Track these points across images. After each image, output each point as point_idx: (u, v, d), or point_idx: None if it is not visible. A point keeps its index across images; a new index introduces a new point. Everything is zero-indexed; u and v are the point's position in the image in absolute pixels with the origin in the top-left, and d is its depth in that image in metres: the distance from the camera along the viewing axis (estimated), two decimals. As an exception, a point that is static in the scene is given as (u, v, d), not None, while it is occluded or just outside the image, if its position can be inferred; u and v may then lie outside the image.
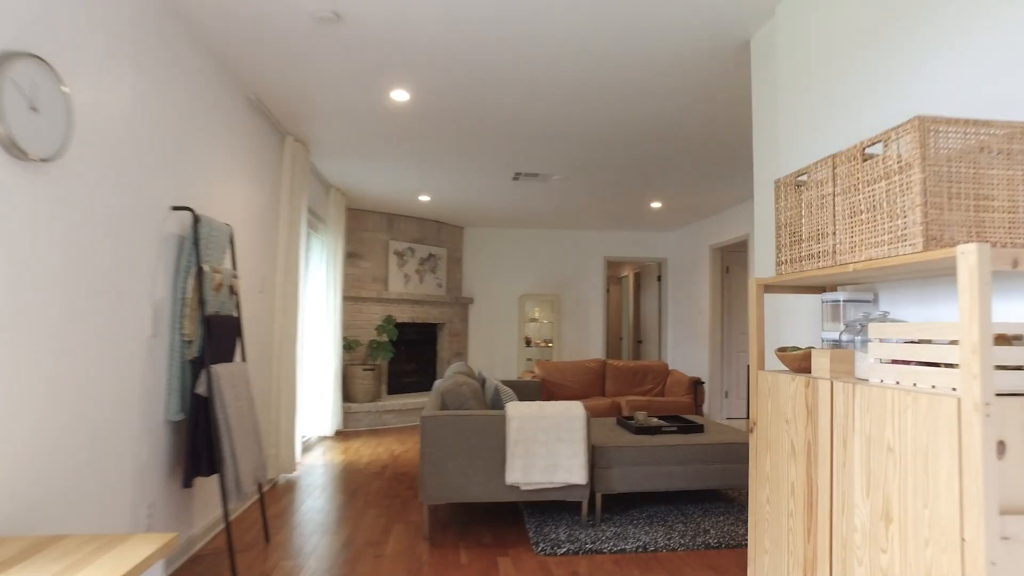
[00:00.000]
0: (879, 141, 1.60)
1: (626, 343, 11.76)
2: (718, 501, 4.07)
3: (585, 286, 9.30)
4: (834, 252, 1.79)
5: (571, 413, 3.45)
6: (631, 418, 4.44)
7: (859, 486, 1.62)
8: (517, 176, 5.90)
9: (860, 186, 1.68)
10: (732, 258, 8.22)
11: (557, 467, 3.37)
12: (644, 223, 8.65)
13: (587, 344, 9.25)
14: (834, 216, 1.80)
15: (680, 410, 6.26)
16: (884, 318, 1.79)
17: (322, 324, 6.33)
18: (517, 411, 3.43)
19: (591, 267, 9.35)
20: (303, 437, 5.80)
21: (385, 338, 7.49)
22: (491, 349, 9.02)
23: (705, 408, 8.10)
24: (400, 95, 3.92)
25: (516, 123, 4.41)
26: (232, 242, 3.36)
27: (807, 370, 2.05)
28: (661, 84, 3.70)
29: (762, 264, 2.82)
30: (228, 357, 3.08)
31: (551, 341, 9.11)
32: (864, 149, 1.68)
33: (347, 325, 7.30)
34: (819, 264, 1.86)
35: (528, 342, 9.01)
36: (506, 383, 6.03)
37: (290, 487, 4.49)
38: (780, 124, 2.71)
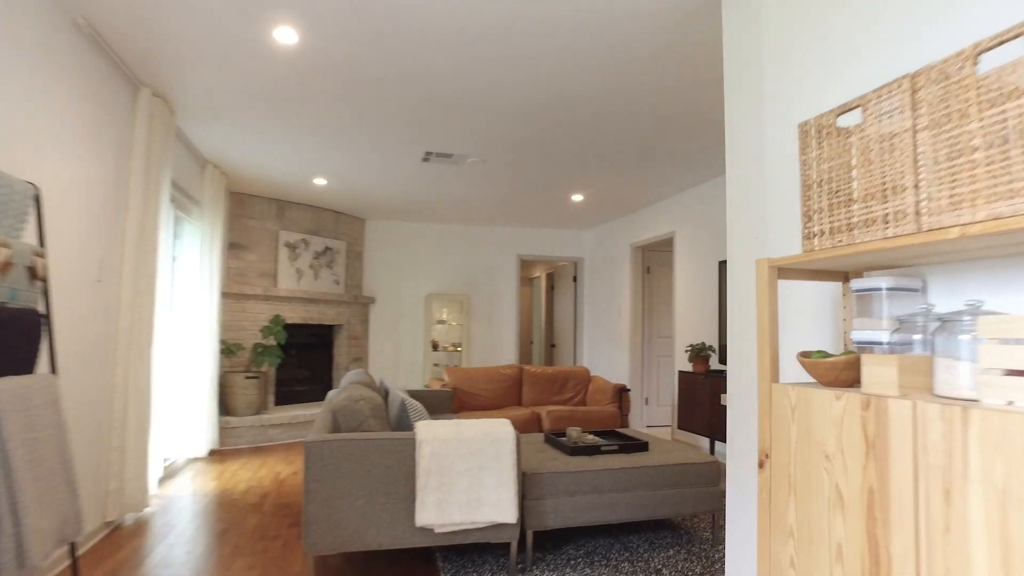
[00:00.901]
0: (1010, 38, 1.05)
1: (538, 347, 11.26)
2: (663, 530, 3.53)
3: (498, 286, 8.69)
4: (917, 213, 1.23)
5: (497, 434, 2.78)
6: (561, 434, 3.83)
7: (983, 563, 1.06)
8: (428, 156, 5.18)
9: (970, 112, 1.13)
10: (654, 258, 7.87)
11: (481, 502, 2.69)
12: (561, 220, 8.16)
13: (499, 348, 8.63)
14: (915, 161, 1.24)
15: (606, 420, 5.75)
16: (977, 310, 1.24)
17: (195, 324, 5.31)
18: (430, 433, 2.71)
19: (504, 265, 8.75)
20: (166, 461, 4.78)
21: (273, 341, 6.52)
22: (394, 354, 8.21)
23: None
24: (286, 35, 3.11)
25: (428, 88, 3.71)
26: (39, 208, 2.44)
27: (849, 383, 1.50)
28: (601, 48, 3.12)
29: (745, 245, 2.27)
30: (23, 366, 2.17)
31: (460, 345, 8.42)
32: (978, 56, 1.12)
33: (227, 326, 6.27)
34: (887, 231, 1.30)
35: (436, 346, 8.27)
36: (413, 393, 5.28)
37: (138, 530, 3.54)
38: (768, 69, 2.18)
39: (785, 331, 2.06)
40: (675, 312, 6.58)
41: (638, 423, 7.54)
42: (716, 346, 5.67)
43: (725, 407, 4.81)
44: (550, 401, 6.26)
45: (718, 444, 5.48)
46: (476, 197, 6.78)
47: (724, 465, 4.79)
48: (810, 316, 1.98)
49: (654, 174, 5.71)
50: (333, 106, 4.08)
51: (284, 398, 6.92)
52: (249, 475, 4.82)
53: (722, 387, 4.88)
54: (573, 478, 3.05)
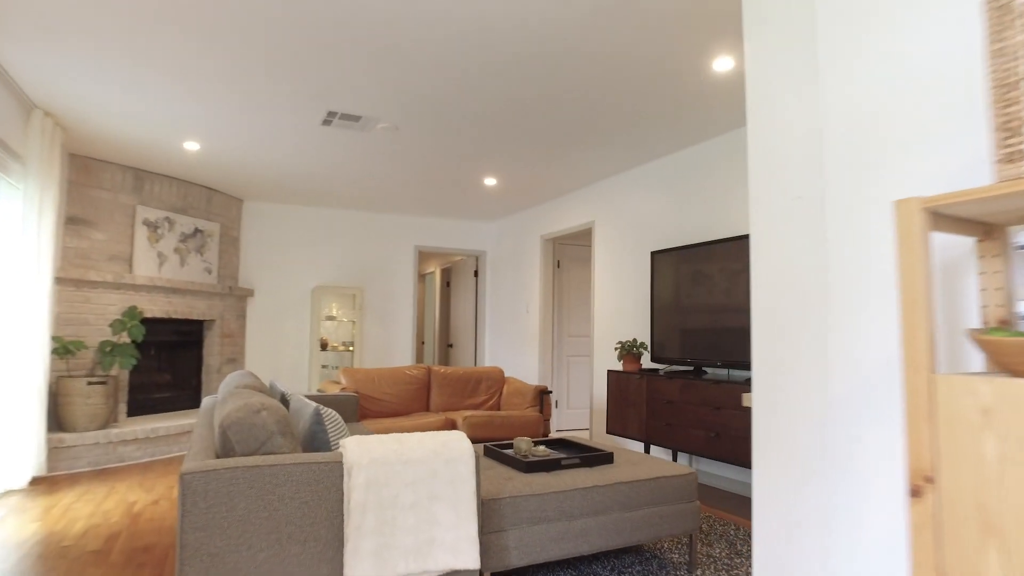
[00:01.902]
0: None
1: (430, 348, 10.55)
2: (628, 555, 3.01)
3: (393, 279, 7.90)
4: None
5: (452, 452, 2.11)
6: (504, 446, 3.21)
7: None
8: (330, 118, 4.36)
9: None
10: (564, 251, 7.45)
11: (434, 544, 2.01)
12: (465, 210, 7.53)
13: (394, 348, 7.85)
14: None
15: (528, 426, 5.19)
16: None
17: (14, 316, 4.13)
18: (363, 454, 2.00)
19: (401, 257, 7.98)
20: (-33, 495, 3.61)
21: (126, 339, 5.35)
22: (275, 354, 7.18)
23: (533, 419, 7.18)
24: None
25: (338, 28, 2.95)
26: None
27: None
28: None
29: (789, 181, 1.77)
30: None
31: (352, 344, 7.54)
32: None
33: (64, 320, 5.04)
34: None
35: (324, 345, 7.34)
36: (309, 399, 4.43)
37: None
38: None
39: (846, 311, 1.58)
40: (594, 308, 6.18)
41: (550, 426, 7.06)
42: (648, 342, 5.29)
43: (663, 409, 4.42)
44: (462, 406, 5.62)
45: (677, 455, 5.10)
46: (379, 176, 5.99)
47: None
48: (881, 285, 1.50)
49: (578, 157, 5.24)
50: (214, 43, 3.20)
51: (140, 408, 5.74)
52: (90, 509, 3.76)
53: (662, 387, 4.49)
54: (538, 503, 2.45)
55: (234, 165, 5.63)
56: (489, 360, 8.39)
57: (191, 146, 5.05)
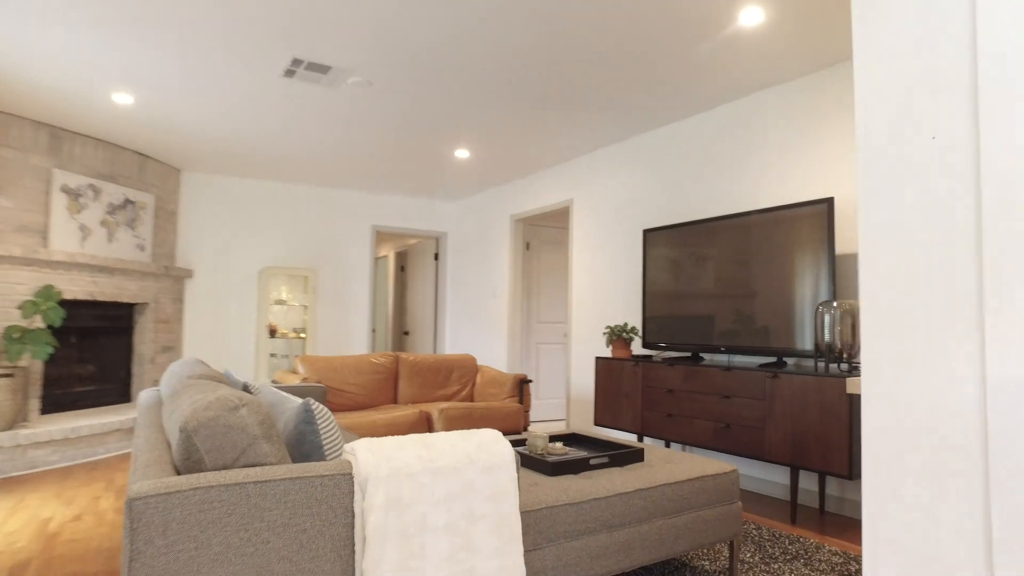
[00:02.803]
0: None
1: (382, 335, 9.95)
2: (656, 567, 2.62)
3: (348, 261, 7.29)
4: None
5: (490, 457, 1.65)
6: (519, 443, 2.75)
7: None
8: (294, 68, 3.77)
9: None
10: (535, 233, 7.02)
11: (475, 575, 1.54)
12: (427, 187, 6.99)
13: (349, 335, 7.25)
14: None
15: (509, 418, 4.75)
16: None
17: None
18: (379, 463, 1.51)
19: (357, 238, 7.37)
20: None
21: (40, 323, 4.59)
22: (217, 341, 6.47)
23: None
24: None
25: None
26: None
27: None
28: None
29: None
30: None
31: (303, 331, 6.90)
32: None
33: (-40, 301, 4.24)
34: None
35: (273, 332, 6.67)
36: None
37: None
38: None
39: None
40: (572, 291, 5.78)
41: (520, 418, 6.64)
42: (640, 327, 4.93)
43: (662, 398, 4.06)
44: (433, 397, 5.12)
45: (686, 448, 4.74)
46: (341, 145, 5.38)
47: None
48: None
49: (560, 128, 4.81)
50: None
51: (57, 404, 4.97)
52: (-3, 526, 3.09)
53: (661, 375, 4.13)
54: (576, 513, 2.01)
55: (174, 126, 4.91)
56: (451, 348, 7.89)
57: (122, 99, 4.33)
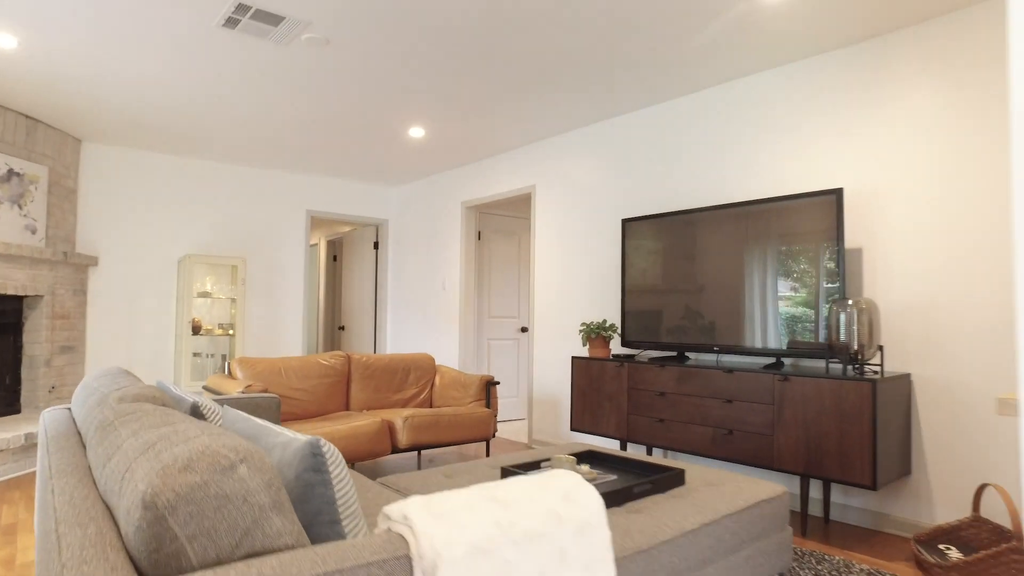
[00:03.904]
0: None
1: (313, 331, 9.21)
2: (697, 606, 2.27)
3: (281, 249, 6.59)
4: None
5: (580, 512, 1.23)
6: (531, 466, 2.32)
7: None
8: (239, 15, 3.15)
9: None
10: (487, 221, 6.58)
11: None
12: (368, 169, 6.40)
13: (282, 332, 6.56)
14: None
15: (479, 425, 4.30)
16: None
17: None
18: (453, 536, 1.05)
19: (290, 223, 6.67)
20: None
21: (-101, 321, 3.72)
22: (128, 340, 5.64)
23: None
24: None
25: None
26: None
27: None
28: None
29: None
30: None
31: (232, 327, 6.16)
32: None
33: None
34: None
35: (197, 328, 5.89)
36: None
37: None
38: None
39: None
40: (534, 284, 5.39)
41: (473, 420, 6.20)
42: (619, 324, 4.59)
43: (652, 402, 3.74)
44: (390, 402, 4.60)
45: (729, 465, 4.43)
46: (281, 116, 4.72)
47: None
48: None
49: (528, 106, 4.39)
50: None
51: (-76, 418, 4.09)
52: None
53: (650, 377, 3.81)
54: (647, 563, 1.62)
55: (73, 82, 4.11)
56: (393, 345, 7.33)
57: (3, 41, 3.53)
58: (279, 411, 3.05)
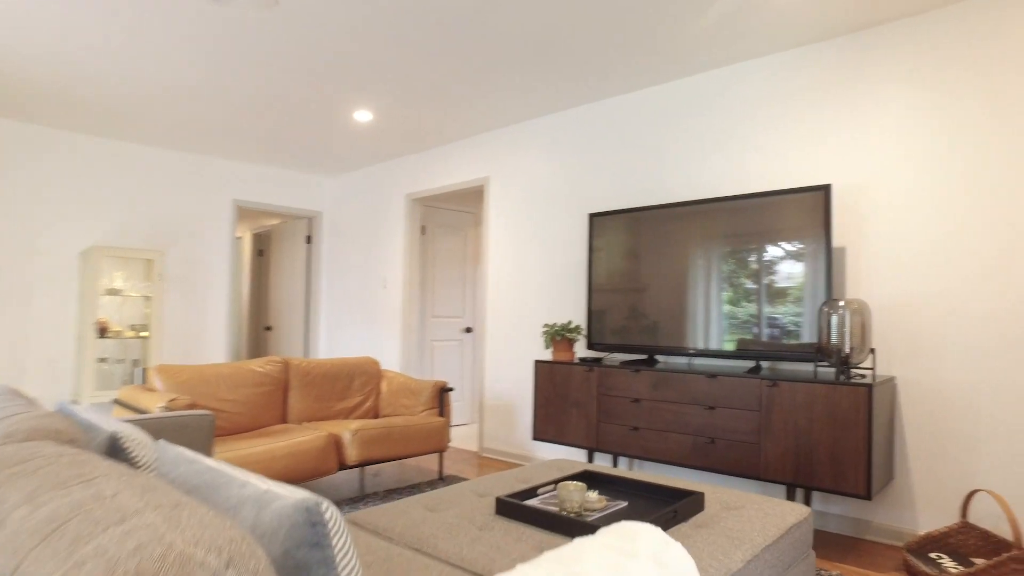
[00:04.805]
0: None
1: (236, 331, 8.50)
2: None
3: (204, 243, 5.97)
4: None
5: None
6: (526, 494, 2.00)
7: None
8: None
9: None
10: (433, 216, 6.20)
11: None
12: (303, 156, 5.89)
13: (203, 334, 5.94)
14: None
15: (433, 436, 3.94)
16: None
17: None
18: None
19: (214, 214, 6.06)
20: None
21: None
22: (18, 345, 4.91)
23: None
24: None
25: None
26: None
27: None
28: None
29: None
30: None
31: (146, 329, 5.50)
32: None
33: None
34: None
35: (104, 330, 5.21)
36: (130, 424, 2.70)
37: None
38: None
39: None
40: (487, 282, 5.07)
41: (418, 427, 5.81)
42: (584, 325, 4.33)
43: (625, 409, 3.50)
44: (333, 412, 4.16)
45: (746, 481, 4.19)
46: (211, 89, 4.18)
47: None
48: None
49: (491, 89, 4.07)
50: None
51: None
52: None
53: (623, 382, 3.57)
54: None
55: (-47, 41, 3.46)
56: (327, 346, 6.82)
57: None
58: (213, 431, 2.59)
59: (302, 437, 3.37)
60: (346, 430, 3.55)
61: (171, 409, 2.83)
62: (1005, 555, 2.44)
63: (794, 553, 1.83)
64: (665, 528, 1.72)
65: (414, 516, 1.82)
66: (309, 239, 7.02)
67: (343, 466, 3.54)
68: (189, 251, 5.83)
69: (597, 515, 1.81)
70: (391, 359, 5.92)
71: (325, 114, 4.65)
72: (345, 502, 3.57)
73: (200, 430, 2.51)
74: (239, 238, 8.79)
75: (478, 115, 4.64)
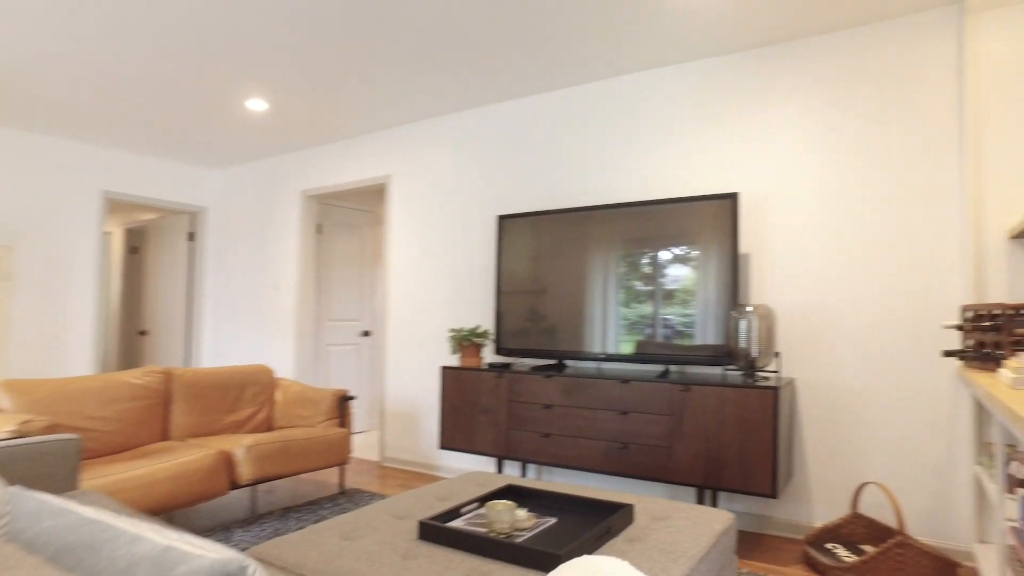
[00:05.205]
0: None
1: (103, 337, 7.68)
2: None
3: (66, 237, 5.32)
4: None
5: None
6: (448, 515, 1.86)
7: None
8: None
9: None
10: (329, 214, 5.89)
11: None
12: (186, 145, 5.40)
13: (65, 342, 5.30)
14: None
15: (334, 450, 3.69)
16: None
17: None
18: None
19: (79, 206, 5.42)
20: None
21: None
22: None
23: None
24: None
25: None
26: None
27: None
28: None
29: None
30: None
31: (-9, 336, 4.80)
32: None
33: None
34: None
35: (-63, 339, 4.49)
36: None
37: None
38: None
39: None
40: (389, 285, 4.87)
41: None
42: (493, 330, 4.22)
43: (536, 415, 3.45)
44: (222, 426, 3.81)
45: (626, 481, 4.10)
46: (79, 63, 3.69)
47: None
48: None
49: (396, 83, 3.90)
50: None
51: None
52: None
53: (534, 388, 3.51)
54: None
55: None
56: (212, 352, 6.31)
57: None
58: (79, 457, 2.24)
59: (188, 456, 3.03)
60: (239, 446, 3.24)
61: (24, 434, 2.44)
62: (891, 541, 2.61)
63: (722, 560, 1.83)
64: (599, 544, 1.65)
65: (329, 547, 1.64)
66: (192, 236, 6.46)
67: (235, 485, 3.23)
68: (47, 247, 5.17)
69: (528, 535, 1.72)
70: (284, 366, 5.55)
71: (214, 100, 4.26)
72: (236, 525, 3.26)
73: (64, 457, 2.17)
74: (108, 233, 7.96)
75: (381, 109, 4.43)
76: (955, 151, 2.90)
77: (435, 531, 1.69)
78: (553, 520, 1.86)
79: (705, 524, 1.86)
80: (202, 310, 6.38)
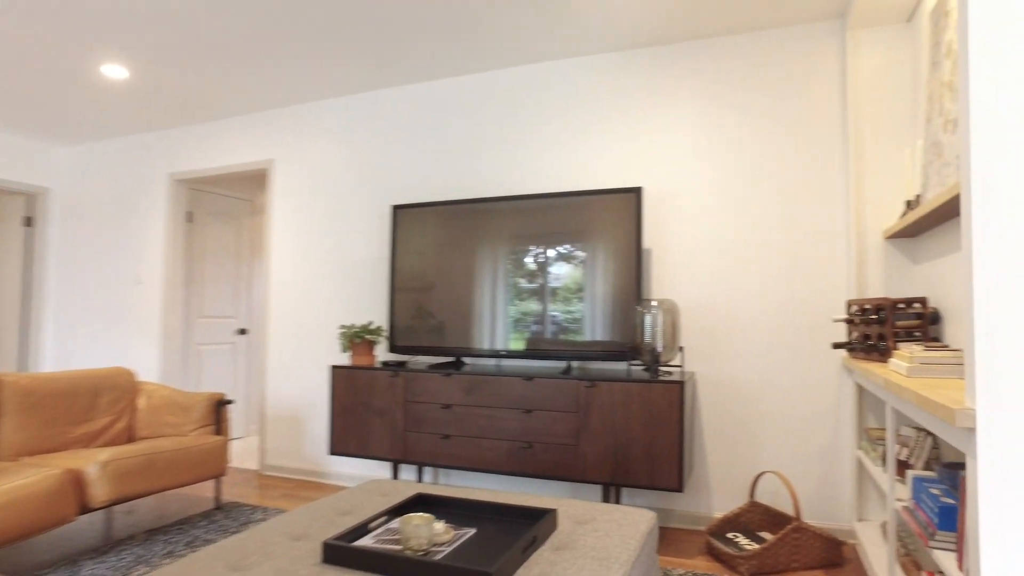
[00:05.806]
0: None
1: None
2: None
3: None
4: None
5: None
6: (353, 532, 1.64)
7: None
8: None
9: None
10: (201, 201, 5.35)
11: None
12: (23, 113, 4.68)
13: None
14: None
15: (209, 461, 3.29)
16: None
17: None
18: None
19: None
20: None
21: None
22: None
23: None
24: None
25: None
26: None
27: None
28: None
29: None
30: None
31: None
32: None
33: None
34: None
35: None
36: None
37: None
38: None
39: None
40: (270, 279, 4.47)
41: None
42: (387, 327, 3.96)
43: (434, 416, 3.26)
44: (71, 440, 3.28)
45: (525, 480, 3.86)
46: None
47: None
48: None
49: (284, 59, 3.57)
50: None
51: None
52: None
53: (432, 387, 3.31)
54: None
55: None
56: (56, 357, 5.53)
57: None
58: None
59: (21, 480, 2.55)
60: (91, 463, 2.79)
61: None
62: (788, 527, 2.69)
63: (649, 561, 1.75)
64: (527, 556, 1.51)
65: (213, 583, 1.38)
66: (29, 221, 5.62)
67: (87, 509, 2.78)
68: None
69: (447, 550, 1.55)
70: (149, 368, 4.96)
71: (59, 62, 3.68)
72: (86, 555, 2.80)
73: None
74: (-80, 218, 6.77)
75: (262, 88, 4.05)
76: (839, 155, 3.06)
77: (342, 553, 1.48)
78: (472, 531, 1.70)
79: (630, 525, 1.78)
80: (42, 307, 5.58)
